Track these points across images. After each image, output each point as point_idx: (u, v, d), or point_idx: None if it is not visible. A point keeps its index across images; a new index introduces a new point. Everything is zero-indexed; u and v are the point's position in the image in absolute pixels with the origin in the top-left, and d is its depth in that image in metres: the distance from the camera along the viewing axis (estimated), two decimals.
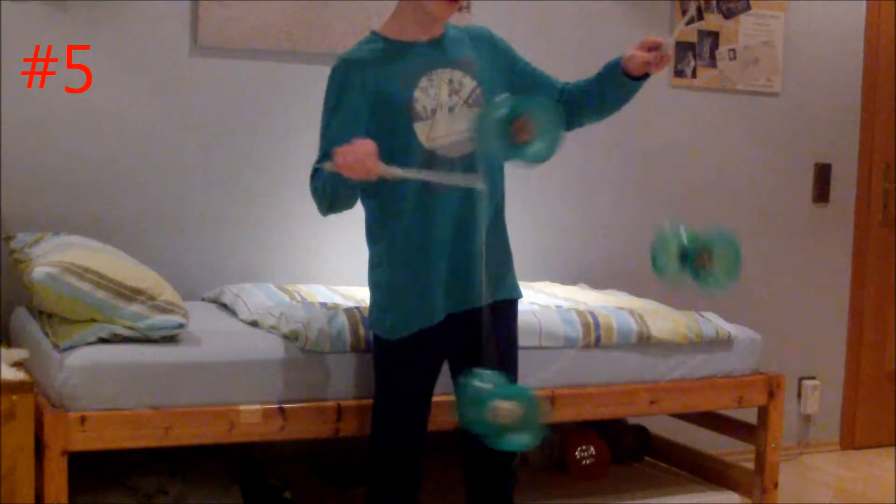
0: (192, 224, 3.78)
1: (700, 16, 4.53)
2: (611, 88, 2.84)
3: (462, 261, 2.75)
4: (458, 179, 2.65)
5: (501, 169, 2.86)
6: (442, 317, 2.76)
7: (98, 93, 3.62)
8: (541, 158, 2.50)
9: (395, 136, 2.68)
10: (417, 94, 2.70)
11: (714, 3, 4.56)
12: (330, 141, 2.68)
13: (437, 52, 2.76)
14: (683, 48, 4.52)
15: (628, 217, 4.51)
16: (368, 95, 2.70)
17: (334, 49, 3.88)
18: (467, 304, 2.76)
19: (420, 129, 2.70)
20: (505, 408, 2.39)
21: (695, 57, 4.54)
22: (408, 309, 2.76)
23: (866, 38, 4.93)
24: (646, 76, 2.79)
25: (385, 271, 2.79)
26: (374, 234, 2.82)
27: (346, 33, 3.89)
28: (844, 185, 4.96)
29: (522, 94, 2.86)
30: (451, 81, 2.73)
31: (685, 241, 2.65)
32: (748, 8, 4.63)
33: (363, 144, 2.50)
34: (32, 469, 2.61)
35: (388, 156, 2.61)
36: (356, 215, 3.97)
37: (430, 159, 2.70)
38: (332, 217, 3.98)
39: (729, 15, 4.60)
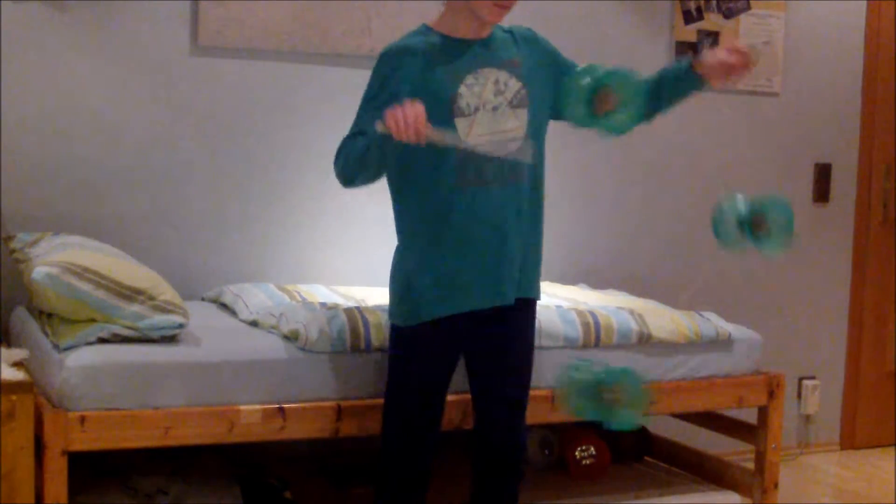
0: (192, 224, 3.78)
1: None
2: (672, 88, 2.91)
3: (492, 259, 2.74)
4: (506, 151, 2.70)
5: (542, 170, 2.86)
6: (460, 310, 2.75)
7: (98, 93, 3.63)
8: (622, 130, 2.64)
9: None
10: (462, 89, 2.71)
11: (714, 3, 4.56)
12: (363, 124, 2.70)
13: (486, 51, 2.77)
14: (683, 48, 4.52)
15: (628, 217, 4.51)
16: (412, 85, 2.69)
17: (334, 49, 3.89)
18: (493, 301, 2.76)
19: (461, 125, 2.70)
20: (612, 392, 2.61)
21: (695, 57, 4.53)
22: (423, 297, 2.75)
23: (866, 38, 4.93)
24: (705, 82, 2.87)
25: (405, 260, 2.80)
26: (401, 222, 2.82)
27: (346, 33, 3.89)
28: (844, 185, 4.96)
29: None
30: (496, 81, 2.74)
31: (741, 209, 2.78)
32: (748, 8, 4.63)
33: (414, 106, 2.51)
34: (32, 469, 2.61)
35: (426, 149, 2.63)
36: (355, 215, 3.99)
37: (471, 158, 2.70)
38: (333, 217, 4.01)
39: (729, 15, 4.60)
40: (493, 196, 2.72)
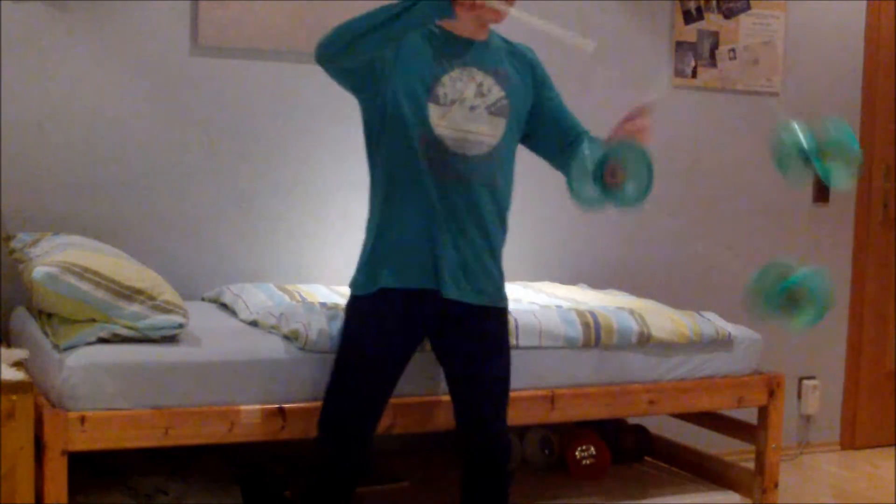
0: (192, 224, 3.78)
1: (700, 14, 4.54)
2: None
3: (447, 247, 2.76)
4: (568, 37, 2.72)
5: (509, 183, 2.89)
6: (411, 286, 2.77)
7: (98, 93, 3.63)
8: (634, 202, 2.66)
9: (408, 109, 2.72)
10: (445, 79, 2.74)
11: (714, 3, 4.56)
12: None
13: (478, 54, 2.80)
14: (684, 48, 4.52)
15: (628, 217, 4.50)
16: (405, 51, 2.70)
17: None
18: (441, 287, 2.76)
19: (433, 112, 2.72)
20: (613, 170, 2.60)
21: (695, 57, 4.54)
22: (376, 268, 2.78)
23: (866, 38, 4.93)
24: None
25: (368, 232, 2.84)
26: (370, 197, 2.86)
27: None
28: None
29: (541, 124, 2.94)
30: (480, 84, 2.77)
31: (596, 159, 2.69)
32: (748, 8, 4.63)
33: None
34: (32, 469, 2.61)
35: (397, 127, 2.70)
36: (355, 215, 3.97)
37: (435, 146, 2.73)
38: (332, 216, 4.01)
39: (729, 15, 4.60)
40: (455, 191, 2.75)
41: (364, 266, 2.83)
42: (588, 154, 2.74)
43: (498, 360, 2.91)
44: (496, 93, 2.79)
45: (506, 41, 2.90)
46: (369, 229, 2.85)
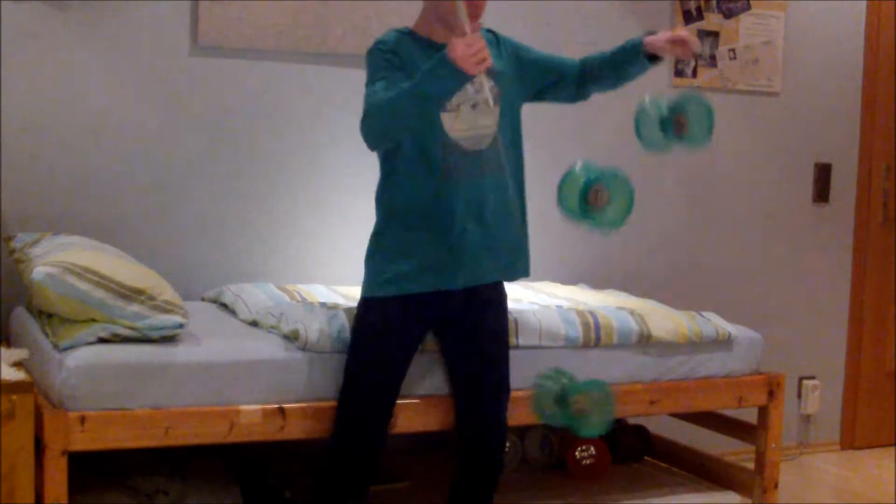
0: (192, 224, 3.78)
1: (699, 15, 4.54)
2: (628, 65, 3.05)
3: (462, 244, 2.87)
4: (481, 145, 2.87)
5: (519, 154, 3.02)
6: (429, 288, 2.87)
7: (98, 93, 3.63)
8: (611, 225, 2.80)
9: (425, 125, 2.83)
10: None
11: (714, 2, 4.56)
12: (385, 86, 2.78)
13: None
14: None
15: (629, 217, 4.50)
16: (405, 73, 2.81)
17: (334, 49, 3.89)
18: (463, 283, 2.89)
19: (445, 120, 2.83)
20: (578, 401, 2.81)
21: (695, 57, 4.53)
22: (397, 273, 2.87)
23: (866, 38, 4.93)
24: (660, 58, 3.02)
25: (384, 238, 2.92)
26: (384, 204, 2.94)
27: (346, 33, 3.89)
28: (844, 185, 4.96)
29: (539, 84, 3.07)
30: (472, 82, 2.83)
31: (664, 109, 2.84)
32: (748, 8, 4.63)
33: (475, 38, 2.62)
34: (32, 469, 2.61)
35: (413, 142, 2.81)
36: (355, 215, 3.98)
37: (452, 149, 2.84)
38: (332, 217, 4.01)
39: (729, 15, 4.60)
40: (473, 186, 2.87)
41: (381, 272, 2.90)
42: (648, 101, 2.87)
43: (500, 353, 3.02)
44: (486, 84, 2.87)
45: None
46: (383, 237, 2.92)
